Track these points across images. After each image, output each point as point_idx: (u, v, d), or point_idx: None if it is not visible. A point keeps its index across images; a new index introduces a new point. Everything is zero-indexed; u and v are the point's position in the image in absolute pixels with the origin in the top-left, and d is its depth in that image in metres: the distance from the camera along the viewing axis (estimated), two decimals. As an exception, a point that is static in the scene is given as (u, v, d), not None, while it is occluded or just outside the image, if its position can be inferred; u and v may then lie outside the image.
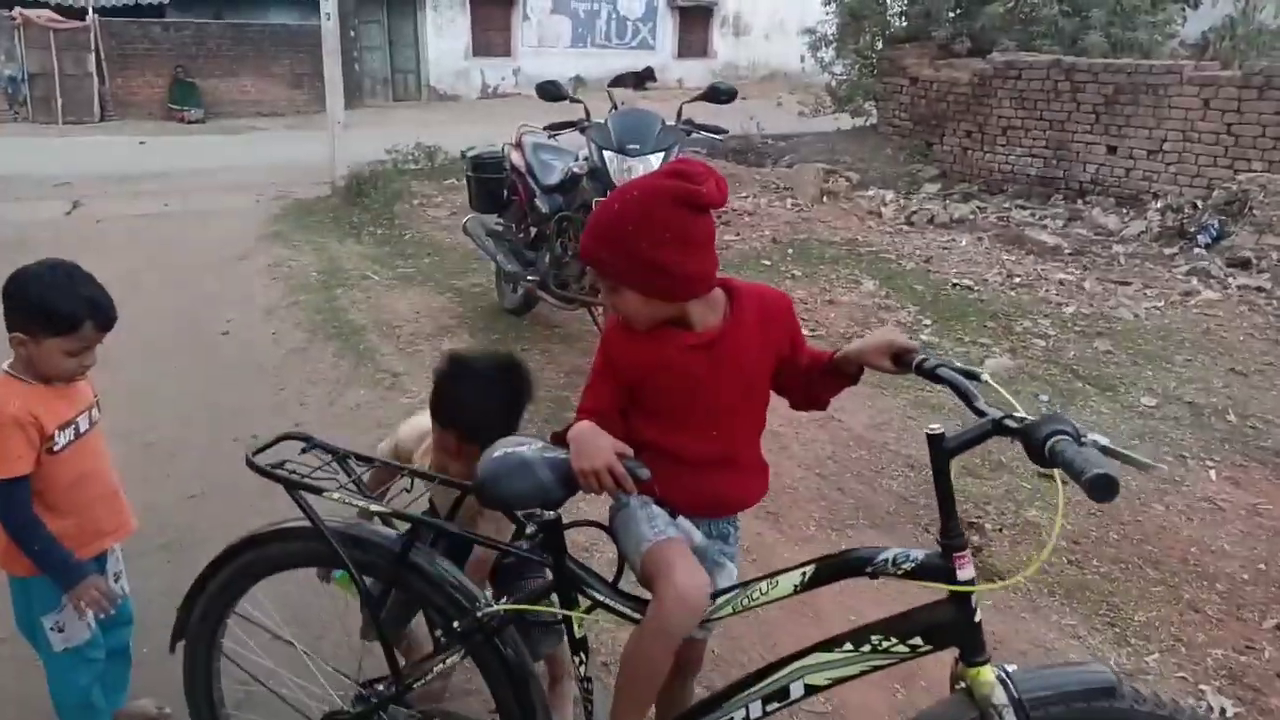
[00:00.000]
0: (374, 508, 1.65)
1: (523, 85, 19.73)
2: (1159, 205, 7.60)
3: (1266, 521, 3.27)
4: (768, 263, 6.39)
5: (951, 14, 11.03)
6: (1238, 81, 7.59)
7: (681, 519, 1.61)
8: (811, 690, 1.45)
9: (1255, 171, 7.25)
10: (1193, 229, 6.91)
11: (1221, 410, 4.13)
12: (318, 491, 1.64)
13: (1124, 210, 7.98)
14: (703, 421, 1.59)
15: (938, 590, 1.37)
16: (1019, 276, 6.17)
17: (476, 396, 1.73)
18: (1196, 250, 6.64)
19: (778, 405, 1.71)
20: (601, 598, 1.58)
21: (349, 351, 4.86)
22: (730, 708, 1.51)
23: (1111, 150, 8.51)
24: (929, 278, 6.10)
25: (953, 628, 1.36)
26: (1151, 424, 4.02)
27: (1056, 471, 1.19)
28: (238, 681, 1.97)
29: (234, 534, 1.81)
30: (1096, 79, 8.56)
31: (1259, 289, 5.85)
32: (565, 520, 1.59)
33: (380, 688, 1.73)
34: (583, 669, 1.63)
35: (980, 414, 1.31)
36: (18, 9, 15.58)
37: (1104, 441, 1.18)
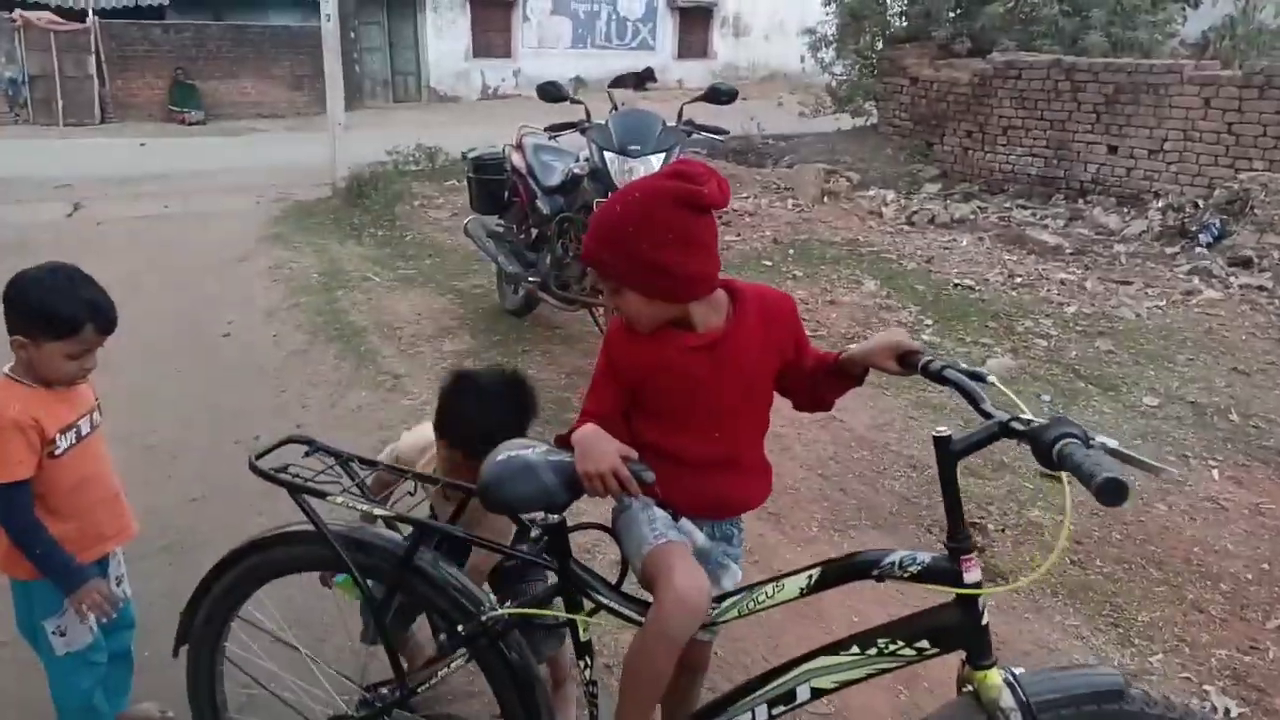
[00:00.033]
0: (378, 511, 1.65)
1: (523, 86, 19.75)
2: (1160, 205, 7.60)
3: (1269, 521, 3.26)
4: (769, 263, 6.39)
5: (952, 14, 11.03)
6: (1238, 81, 7.59)
7: (684, 521, 1.61)
8: (818, 693, 1.44)
9: (1256, 171, 7.24)
10: (1194, 228, 6.91)
11: (1224, 410, 4.12)
12: (321, 495, 1.64)
13: (1125, 210, 7.98)
14: (705, 423, 1.58)
15: (943, 593, 1.36)
16: (1020, 276, 6.17)
17: (482, 413, 1.72)
18: (1198, 249, 6.64)
19: (780, 406, 1.70)
20: (605, 601, 1.57)
21: (350, 353, 4.85)
22: (736, 711, 1.51)
23: (1112, 150, 8.51)
24: (930, 278, 6.09)
25: (959, 631, 1.35)
26: (1154, 424, 4.01)
27: (1065, 475, 1.18)
28: (240, 685, 1.97)
29: (236, 536, 1.81)
30: (1097, 79, 8.55)
31: (1260, 288, 5.84)
32: (569, 523, 1.59)
33: (384, 692, 1.73)
34: (587, 673, 1.63)
35: (987, 416, 1.31)
36: (18, 11, 15.59)
37: (1112, 444, 1.17)
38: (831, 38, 12.63)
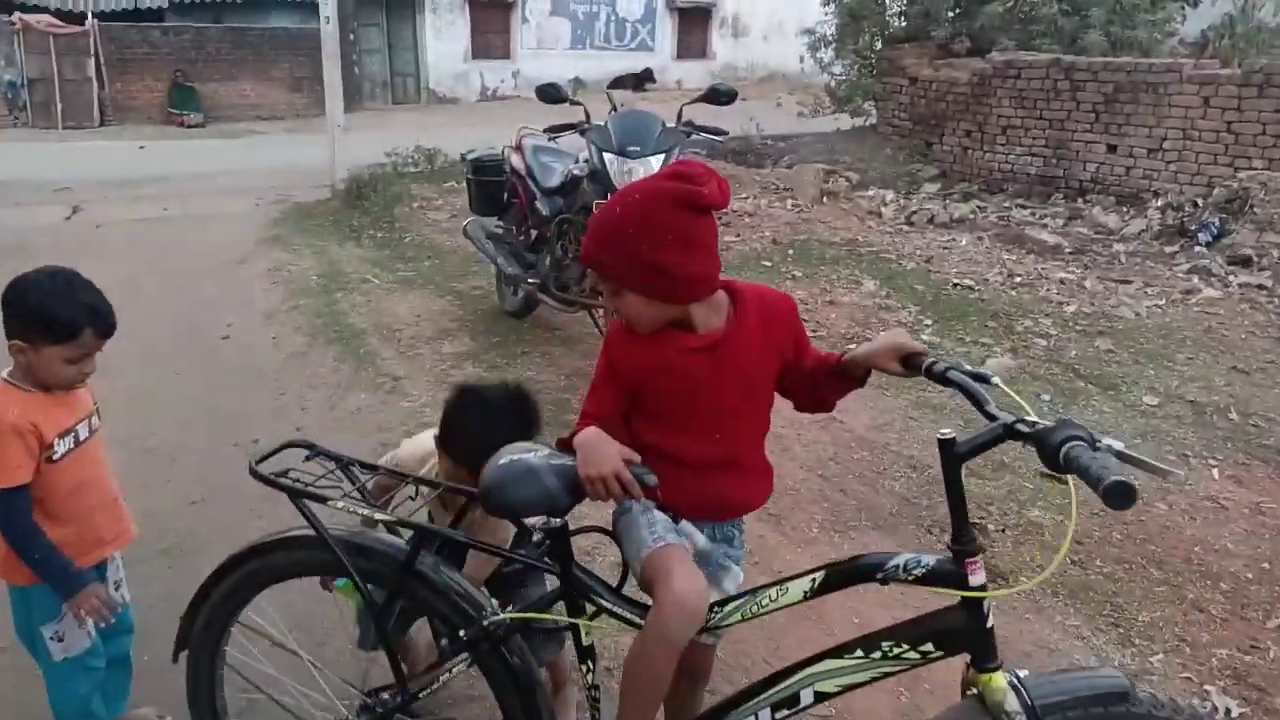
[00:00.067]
0: (379, 516, 1.64)
1: (522, 88, 19.73)
2: (1159, 204, 7.59)
3: (1270, 520, 3.26)
4: (768, 264, 6.38)
5: (951, 14, 11.03)
6: (1238, 80, 7.59)
7: (684, 523, 1.60)
8: (821, 697, 1.44)
9: (1256, 169, 7.24)
10: (1193, 227, 6.91)
11: (1224, 409, 4.12)
12: (322, 500, 1.64)
13: (1124, 209, 7.98)
14: (705, 424, 1.58)
15: (947, 595, 1.36)
16: (1020, 276, 6.17)
17: (486, 428, 1.71)
18: (1197, 248, 6.64)
19: (780, 407, 1.70)
20: (607, 604, 1.57)
21: (349, 355, 4.85)
22: (739, 715, 1.50)
23: (1111, 149, 8.51)
24: (929, 278, 6.09)
25: (964, 634, 1.35)
26: (1154, 423, 4.01)
27: (1070, 477, 1.18)
28: (240, 690, 1.97)
29: (235, 539, 1.81)
30: (1096, 78, 8.55)
31: (1260, 287, 5.84)
32: (570, 527, 1.58)
33: (385, 697, 1.72)
34: (589, 677, 1.62)
35: (991, 418, 1.30)
36: (17, 14, 15.59)
37: (1118, 446, 1.16)
38: (830, 38, 12.63)
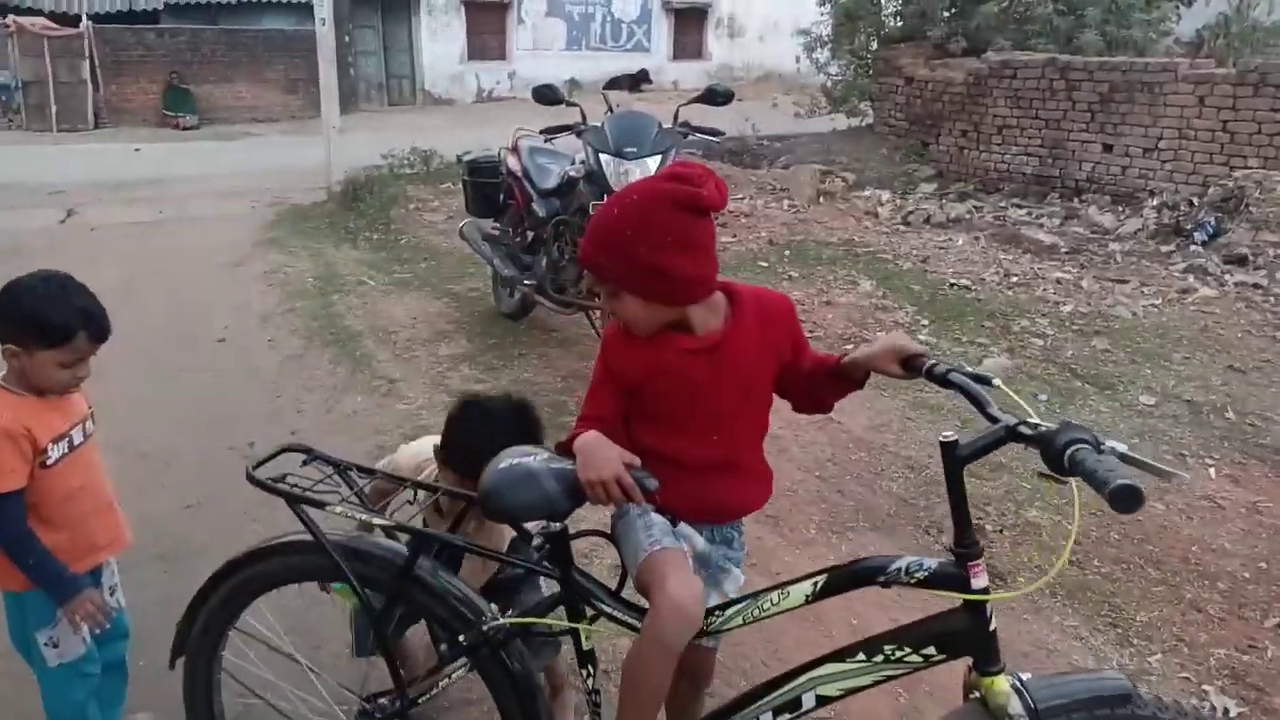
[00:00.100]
0: (377, 521, 1.63)
1: (518, 89, 19.72)
2: (1155, 203, 7.61)
3: (1267, 520, 3.26)
4: (765, 264, 6.38)
5: (946, 14, 11.05)
6: (1233, 79, 7.61)
7: (683, 525, 1.59)
8: (823, 701, 1.43)
9: (1251, 168, 7.26)
10: (1189, 226, 6.91)
11: (1220, 408, 4.12)
12: (320, 505, 1.63)
13: (1120, 208, 7.99)
14: (703, 426, 1.57)
15: (947, 598, 1.35)
16: (1016, 276, 6.17)
17: (488, 441, 1.71)
18: (1193, 248, 6.65)
19: (778, 407, 1.69)
20: (606, 608, 1.56)
21: (345, 358, 4.84)
22: (742, 719, 1.50)
23: (1107, 148, 8.52)
24: (926, 278, 6.09)
25: (967, 637, 1.34)
26: (1151, 422, 4.01)
27: (1073, 480, 1.17)
28: (235, 694, 1.95)
29: (231, 544, 1.80)
30: (1092, 77, 8.57)
31: (1256, 286, 5.85)
32: (569, 531, 1.58)
33: (384, 702, 1.71)
34: (590, 681, 1.62)
35: (993, 420, 1.30)
36: (11, 17, 15.54)
37: (1122, 449, 1.16)
38: (826, 38, 12.65)
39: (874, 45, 12.08)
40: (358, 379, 4.56)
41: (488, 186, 5.23)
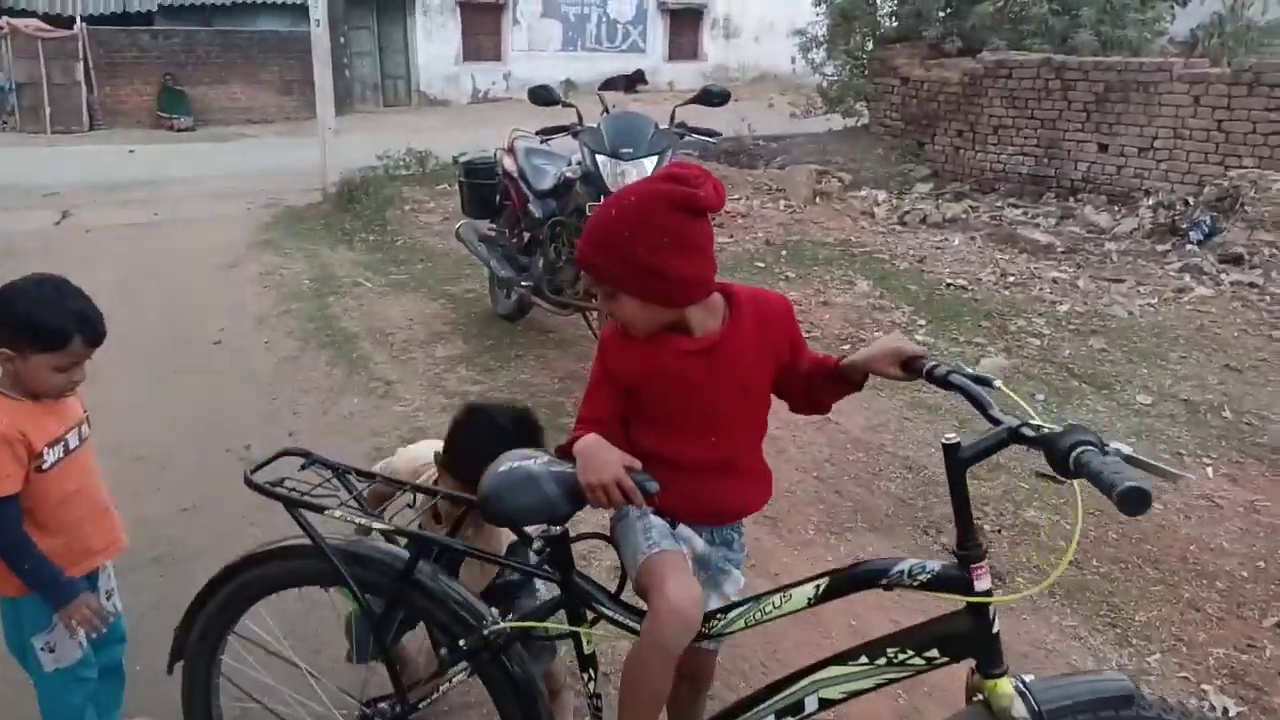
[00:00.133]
0: (376, 525, 1.63)
1: (514, 89, 19.70)
2: (1151, 202, 7.62)
3: (1264, 519, 3.26)
4: (761, 265, 6.38)
5: (942, 14, 11.05)
6: (1228, 78, 7.62)
7: (682, 527, 1.59)
8: (826, 704, 1.43)
9: (1246, 168, 7.28)
10: (1185, 226, 6.93)
11: (1217, 407, 4.13)
12: (319, 510, 1.62)
13: (1116, 208, 8.01)
14: (701, 427, 1.57)
15: (952, 601, 1.35)
16: (1012, 275, 6.18)
17: (491, 449, 1.71)
18: (1189, 247, 6.66)
19: (776, 408, 1.69)
20: (607, 611, 1.56)
21: (342, 360, 4.83)
22: (743, 723, 1.49)
23: (1103, 148, 8.54)
24: (923, 278, 6.10)
25: (970, 639, 1.34)
26: (1148, 421, 4.01)
27: (1077, 482, 1.17)
28: (233, 699, 1.95)
29: (228, 547, 1.79)
30: (1087, 77, 8.58)
31: (1251, 285, 5.86)
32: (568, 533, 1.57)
33: (384, 706, 1.71)
34: (591, 685, 1.61)
35: (995, 422, 1.29)
36: (5, 19, 15.49)
37: (1127, 451, 1.15)
38: (822, 38, 12.64)
39: (869, 45, 12.09)
40: (354, 381, 4.54)
41: (484, 188, 5.22)
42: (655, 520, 1.54)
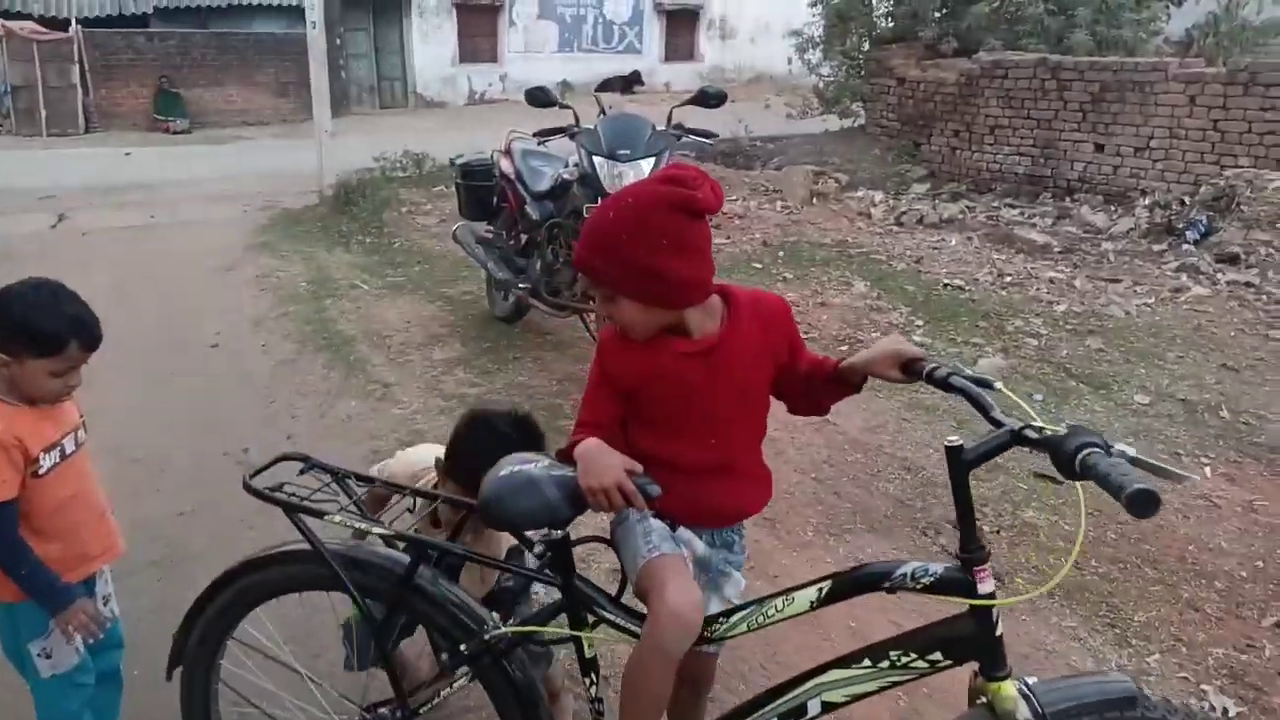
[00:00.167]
0: (376, 530, 1.62)
1: (510, 91, 19.69)
2: (1147, 202, 7.63)
3: (1262, 518, 3.27)
4: (758, 266, 6.38)
5: (938, 14, 11.07)
6: (1223, 78, 7.64)
7: (683, 530, 1.59)
8: (828, 707, 1.43)
9: (1242, 167, 7.29)
10: (1181, 225, 6.94)
11: (1214, 406, 4.13)
12: (319, 515, 1.61)
13: (1112, 208, 8.02)
14: (700, 429, 1.56)
15: (955, 604, 1.35)
16: (1009, 275, 6.18)
17: (492, 454, 1.71)
18: (1185, 246, 6.67)
19: (773, 409, 1.69)
20: (608, 615, 1.55)
21: (339, 362, 4.82)
22: (746, 726, 1.49)
23: (1099, 148, 8.55)
24: (920, 278, 6.10)
25: (973, 642, 1.34)
26: (1145, 421, 4.02)
27: (1080, 483, 1.17)
28: (231, 703, 1.94)
29: (226, 550, 1.78)
30: (1083, 77, 8.60)
31: (1248, 284, 5.87)
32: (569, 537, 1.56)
33: (384, 712, 1.70)
34: (593, 690, 1.60)
35: (997, 424, 1.29)
36: (0, 21, 15.49)
37: (1132, 452, 1.15)
38: (818, 39, 12.66)
39: (866, 46, 12.10)
40: (352, 384, 4.54)
41: (481, 189, 5.21)
42: (655, 523, 1.53)
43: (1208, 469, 3.61)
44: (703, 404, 1.55)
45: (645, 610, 1.49)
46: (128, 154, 13.24)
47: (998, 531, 3.16)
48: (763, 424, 1.66)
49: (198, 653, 1.78)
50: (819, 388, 1.63)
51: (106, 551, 1.97)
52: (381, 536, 1.63)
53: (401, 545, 1.67)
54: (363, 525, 1.62)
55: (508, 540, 1.86)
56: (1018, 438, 1.25)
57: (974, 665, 1.36)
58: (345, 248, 7.41)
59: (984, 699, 1.33)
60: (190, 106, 16.93)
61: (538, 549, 1.54)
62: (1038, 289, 5.89)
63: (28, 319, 1.72)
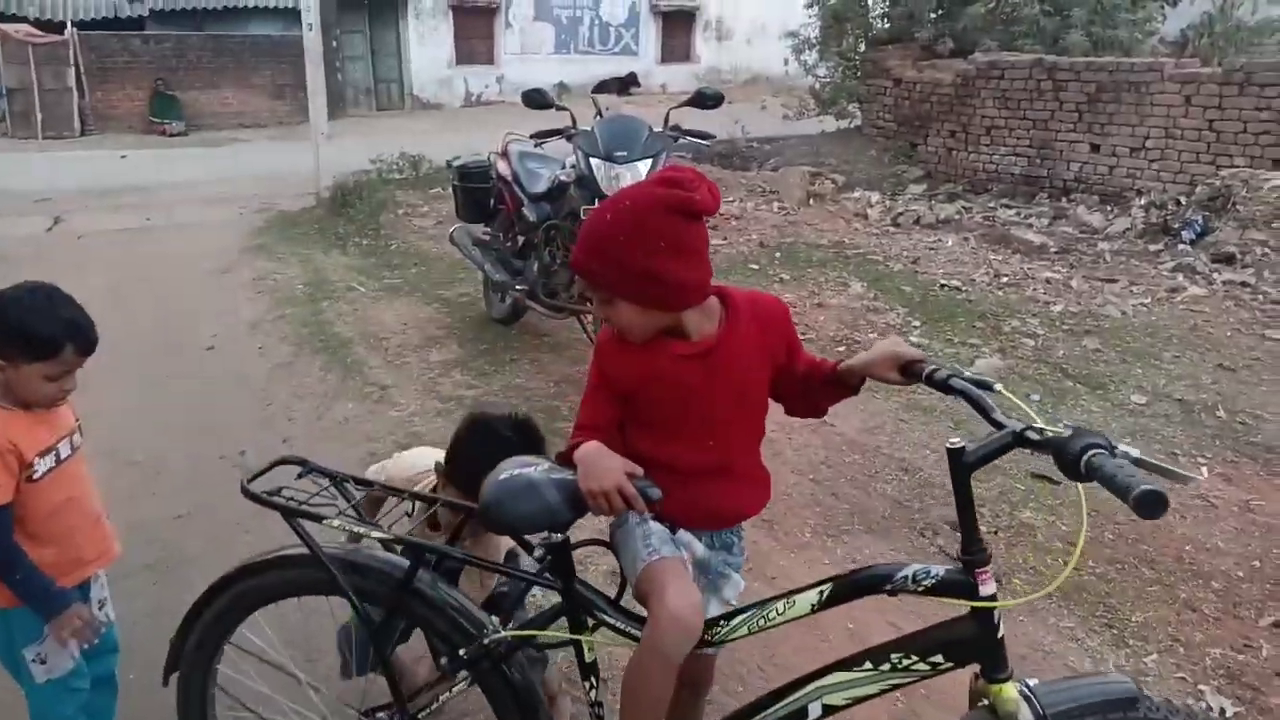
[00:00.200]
0: (375, 534, 1.61)
1: (506, 93, 19.71)
2: (1143, 202, 7.64)
3: (1259, 518, 3.27)
4: (755, 267, 6.38)
5: (934, 15, 11.09)
6: (1218, 78, 7.66)
7: (682, 533, 1.58)
8: (829, 711, 1.42)
9: (1237, 167, 7.31)
10: (1177, 225, 6.95)
11: (1211, 406, 4.14)
12: (317, 519, 1.60)
13: (1108, 208, 8.03)
14: (697, 431, 1.56)
15: (956, 606, 1.34)
16: (1006, 276, 6.19)
17: (493, 457, 1.71)
18: (1181, 246, 6.68)
19: (771, 410, 1.69)
20: (608, 619, 1.55)
21: (336, 364, 4.81)
22: (747, 728, 1.49)
23: (1095, 148, 8.56)
24: (916, 279, 6.11)
25: (975, 644, 1.33)
26: (1142, 421, 4.02)
27: (1081, 485, 1.16)
28: (227, 708, 1.93)
29: (222, 554, 1.78)
30: (1079, 78, 8.61)
31: (1244, 284, 5.88)
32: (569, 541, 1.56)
33: (383, 716, 1.70)
34: (593, 693, 1.60)
35: (998, 425, 1.28)
36: (-6, 23, 15.45)
37: (1135, 453, 1.15)
38: (814, 40, 12.68)
39: (862, 47, 12.12)
40: (349, 386, 4.53)
41: (478, 191, 5.21)
42: (655, 526, 1.53)
43: (1204, 469, 3.61)
44: (701, 406, 1.54)
45: (645, 613, 1.48)
46: (123, 157, 13.22)
47: (995, 532, 3.16)
48: (761, 425, 1.66)
49: (195, 658, 1.77)
50: (817, 389, 1.63)
51: (101, 556, 1.96)
52: (380, 540, 1.62)
53: (400, 549, 1.67)
54: (362, 529, 1.61)
55: (508, 543, 1.86)
56: (1020, 439, 1.25)
57: (975, 667, 1.36)
58: (342, 250, 7.40)
59: (985, 701, 1.33)
60: (186, 109, 16.91)
61: (537, 552, 1.54)
62: (1034, 289, 5.90)
63: (23, 323, 1.71)
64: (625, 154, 4.16)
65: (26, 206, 9.17)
